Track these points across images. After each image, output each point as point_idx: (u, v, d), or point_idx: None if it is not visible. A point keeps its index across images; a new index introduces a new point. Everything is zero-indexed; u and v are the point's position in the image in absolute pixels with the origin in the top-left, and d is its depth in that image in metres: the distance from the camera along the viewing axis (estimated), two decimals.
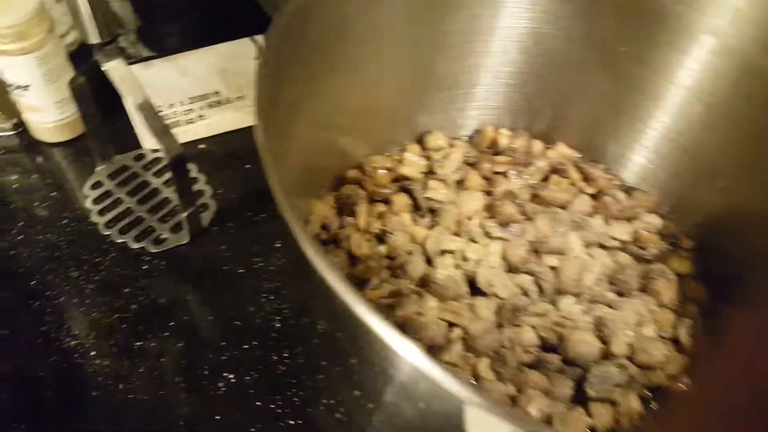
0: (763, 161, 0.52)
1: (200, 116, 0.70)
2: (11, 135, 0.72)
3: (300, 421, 0.51)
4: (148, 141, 0.68)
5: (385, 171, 0.61)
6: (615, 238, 0.57)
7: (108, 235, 0.62)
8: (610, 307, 0.52)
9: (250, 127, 0.71)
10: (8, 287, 0.60)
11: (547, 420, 0.47)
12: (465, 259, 0.54)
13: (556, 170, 0.61)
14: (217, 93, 0.70)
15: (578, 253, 0.54)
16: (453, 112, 0.64)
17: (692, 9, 0.52)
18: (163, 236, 0.62)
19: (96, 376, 0.54)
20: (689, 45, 0.54)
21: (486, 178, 0.60)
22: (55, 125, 0.70)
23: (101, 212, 0.64)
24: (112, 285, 0.59)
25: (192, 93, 0.69)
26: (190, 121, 0.69)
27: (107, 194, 0.66)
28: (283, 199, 0.32)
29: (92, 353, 0.55)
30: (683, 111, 0.56)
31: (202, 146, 0.71)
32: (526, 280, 0.53)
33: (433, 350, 0.49)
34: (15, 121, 0.71)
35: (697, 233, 0.59)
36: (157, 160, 0.69)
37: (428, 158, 0.63)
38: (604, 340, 0.50)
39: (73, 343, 0.56)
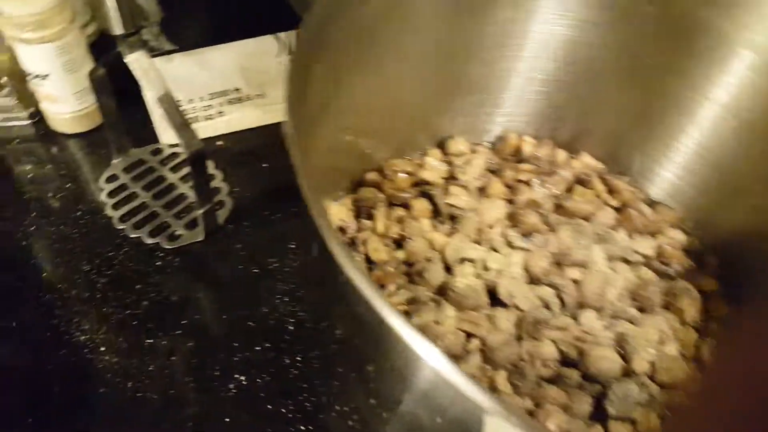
0: None
1: (219, 113, 0.69)
2: (27, 124, 0.71)
3: (311, 427, 0.50)
4: (166, 135, 0.68)
5: (406, 175, 0.60)
6: (638, 253, 0.56)
7: (122, 229, 0.62)
8: (632, 323, 0.51)
9: (268, 126, 0.72)
10: (19, 278, 0.59)
11: None
12: (486, 268, 0.53)
13: (581, 181, 0.60)
14: (237, 90, 0.69)
15: (601, 266, 0.53)
16: (476, 118, 0.63)
17: (732, 23, 0.51)
18: (177, 233, 0.61)
19: (105, 373, 0.53)
20: (728, 60, 0.53)
21: (508, 186, 0.59)
22: (73, 116, 0.69)
23: (116, 206, 0.63)
24: (124, 280, 0.59)
25: (212, 89, 0.68)
26: (209, 117, 0.69)
27: (122, 188, 0.65)
28: (312, 197, 0.31)
29: (102, 349, 0.54)
30: (717, 127, 0.55)
31: (219, 143, 0.70)
32: (547, 292, 0.52)
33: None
34: (32, 110, 0.70)
35: (721, 250, 0.58)
36: (174, 155, 0.68)
37: (449, 163, 0.62)
38: (625, 357, 0.49)
39: (82, 338, 0.55)
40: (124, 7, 0.51)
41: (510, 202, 0.58)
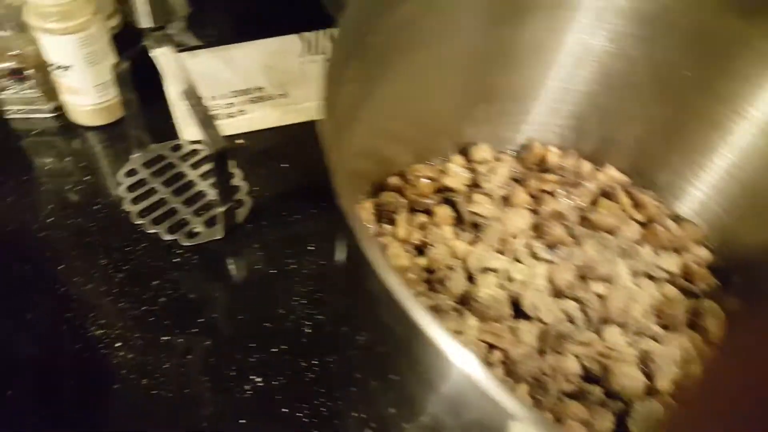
0: None
1: (241, 111, 0.69)
2: (49, 117, 0.71)
3: None
4: (187, 132, 0.68)
5: (428, 180, 0.60)
6: (663, 269, 0.55)
7: (140, 224, 0.61)
8: (656, 341, 0.51)
9: (289, 126, 0.72)
10: (35, 270, 0.59)
11: None
12: (510, 279, 0.52)
13: (605, 193, 0.60)
14: (259, 89, 0.69)
15: (625, 281, 0.53)
16: (501, 125, 0.62)
17: None
18: (196, 230, 0.61)
19: (120, 369, 0.53)
20: (764, 79, 0.52)
21: (532, 196, 0.59)
22: (93, 108, 0.69)
23: (135, 201, 0.63)
24: (141, 276, 0.58)
25: (235, 87, 0.68)
26: (230, 115, 0.68)
27: (141, 183, 0.65)
28: (346, 197, 0.30)
29: (117, 344, 0.54)
30: (750, 147, 0.54)
31: (239, 141, 0.70)
32: (571, 306, 0.51)
33: None
34: (55, 104, 0.70)
35: (745, 270, 0.57)
36: (194, 151, 0.68)
37: (472, 171, 0.61)
38: (649, 376, 0.49)
39: (98, 332, 0.55)
40: (153, 0, 0.51)
41: (534, 212, 0.58)
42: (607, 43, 0.56)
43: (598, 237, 0.55)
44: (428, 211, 0.58)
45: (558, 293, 0.52)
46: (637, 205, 0.60)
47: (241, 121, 0.69)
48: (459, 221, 0.57)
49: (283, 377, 0.53)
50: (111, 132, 0.71)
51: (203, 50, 0.69)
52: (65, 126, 0.71)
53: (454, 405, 0.35)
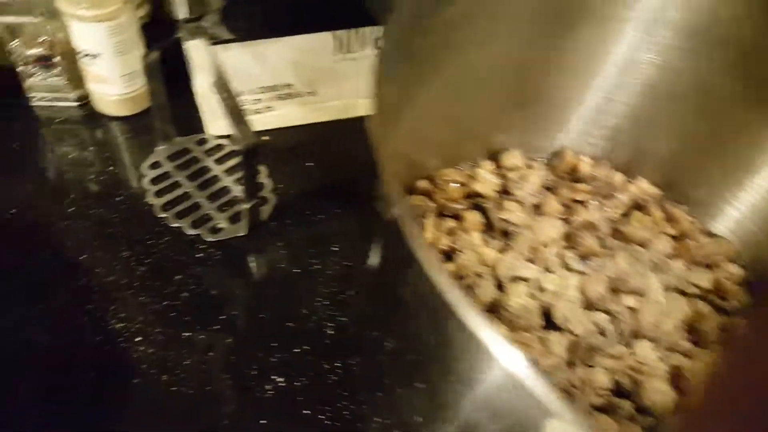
0: None
1: (268, 107, 0.69)
2: (74, 106, 0.71)
3: None
4: (213, 126, 0.68)
5: (457, 185, 0.59)
6: (695, 285, 0.55)
7: (164, 218, 0.61)
8: (687, 356, 0.51)
9: (314, 125, 0.72)
10: (56, 259, 0.59)
11: None
12: (541, 289, 0.52)
13: (638, 206, 0.60)
14: (288, 86, 0.69)
15: (657, 296, 0.53)
16: (534, 132, 0.62)
17: None
18: (220, 225, 0.61)
19: (140, 363, 0.53)
20: None
21: (564, 205, 0.58)
22: (119, 98, 0.69)
23: (158, 194, 0.63)
24: (163, 270, 0.59)
25: (263, 83, 0.68)
26: (257, 111, 0.68)
27: (166, 176, 0.65)
28: (400, 197, 0.30)
29: (138, 339, 0.54)
30: None
31: (265, 138, 0.70)
32: (602, 318, 0.51)
33: None
34: (81, 92, 0.70)
35: None
36: (219, 146, 0.68)
37: (502, 177, 0.61)
38: (680, 391, 0.48)
39: (118, 326, 0.55)
40: None
41: (565, 221, 0.57)
42: (653, 56, 0.56)
43: (630, 249, 0.55)
44: (457, 217, 0.58)
45: (589, 305, 0.52)
46: (670, 218, 0.60)
47: (268, 117, 0.69)
48: (488, 228, 0.57)
49: (305, 378, 0.53)
50: (136, 123, 0.71)
51: (234, 44, 0.69)
52: (90, 115, 0.71)
53: (489, 408, 0.34)
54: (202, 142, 0.68)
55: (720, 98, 0.56)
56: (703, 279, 0.56)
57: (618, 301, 0.52)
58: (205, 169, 0.66)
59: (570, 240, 0.56)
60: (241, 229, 0.61)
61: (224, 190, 0.64)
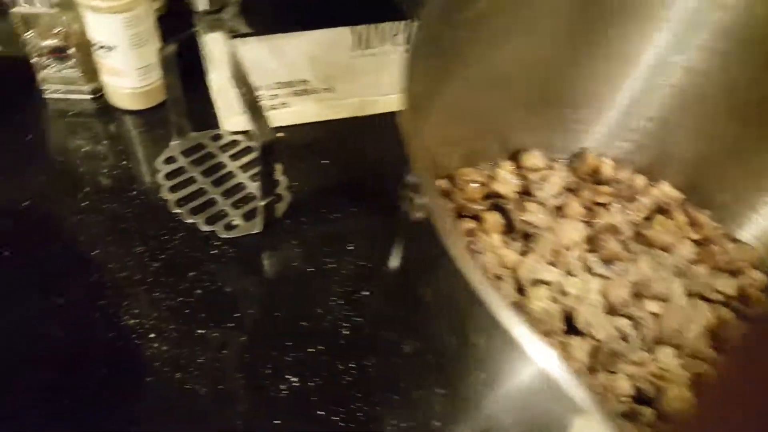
0: None
1: (283, 103, 0.69)
2: (88, 99, 0.71)
3: None
4: (228, 122, 0.68)
5: (477, 185, 0.59)
6: (719, 291, 0.55)
7: (178, 213, 0.61)
8: (710, 364, 0.50)
9: (330, 121, 0.72)
10: (69, 254, 0.59)
11: None
12: (563, 293, 0.52)
13: (661, 210, 0.59)
14: (304, 81, 0.69)
15: (680, 301, 0.52)
16: (556, 132, 0.62)
17: None
18: (234, 222, 0.61)
19: (153, 361, 0.53)
20: None
21: (586, 208, 0.58)
22: (133, 92, 0.69)
23: (173, 189, 0.63)
24: (177, 266, 0.59)
25: (280, 78, 0.68)
26: (273, 107, 0.68)
27: (180, 171, 0.65)
28: (434, 193, 0.30)
29: (151, 336, 0.54)
30: None
31: (280, 134, 0.70)
32: (625, 324, 0.51)
33: None
34: (95, 85, 0.70)
35: None
36: (234, 142, 0.68)
37: (523, 177, 0.61)
38: None
39: (131, 322, 0.55)
40: None
41: (587, 224, 0.57)
42: (687, 57, 0.55)
43: (653, 254, 0.55)
44: (476, 217, 0.57)
45: (612, 310, 0.52)
46: (693, 223, 0.59)
47: (284, 113, 0.69)
48: (507, 229, 0.57)
49: (319, 378, 0.52)
50: (150, 117, 0.71)
51: (252, 38, 0.68)
52: (103, 108, 0.71)
53: (514, 411, 0.34)
54: (217, 137, 0.68)
55: (748, 101, 0.55)
56: (727, 285, 0.55)
57: (641, 307, 0.52)
58: (219, 165, 0.66)
59: (592, 243, 0.55)
60: (255, 227, 0.61)
61: (239, 187, 0.64)
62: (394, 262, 0.52)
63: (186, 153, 0.66)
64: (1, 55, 0.75)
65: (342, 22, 0.69)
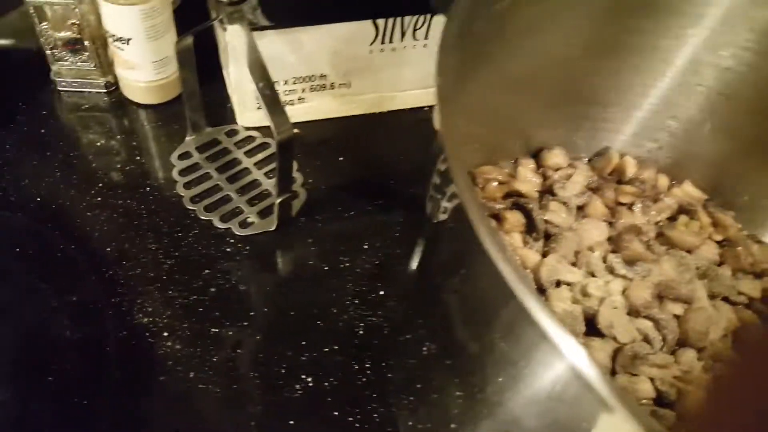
0: None
1: (300, 99, 0.69)
2: (102, 93, 0.72)
3: None
4: (244, 117, 0.68)
5: (498, 184, 0.59)
6: (743, 293, 0.54)
7: (193, 210, 0.62)
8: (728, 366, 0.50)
9: (346, 118, 0.72)
10: (81, 250, 0.60)
11: None
12: (585, 294, 0.52)
13: (684, 210, 0.59)
14: (322, 76, 0.69)
15: (704, 304, 0.52)
16: (580, 131, 0.62)
17: None
18: (249, 220, 0.62)
19: (166, 359, 0.53)
20: None
21: (608, 207, 0.58)
22: (148, 86, 0.70)
23: (187, 185, 0.64)
24: (191, 263, 0.59)
25: (298, 72, 0.68)
26: (290, 103, 0.69)
27: (195, 167, 0.65)
28: (470, 187, 0.30)
29: (164, 334, 0.55)
30: None
31: (295, 130, 0.70)
32: (647, 326, 0.51)
33: None
34: (109, 79, 0.71)
35: None
36: (250, 138, 0.68)
37: (544, 176, 0.61)
38: None
39: (145, 320, 0.55)
40: None
41: (609, 224, 0.57)
42: (721, 55, 0.55)
43: (676, 255, 0.55)
44: (496, 216, 0.57)
45: (634, 311, 0.52)
46: (716, 224, 0.59)
47: (300, 109, 0.69)
48: (529, 229, 0.57)
49: (334, 378, 0.53)
50: (165, 111, 0.71)
51: (270, 31, 0.68)
52: (117, 102, 0.72)
53: (539, 411, 0.34)
54: (233, 133, 0.69)
55: None
56: (752, 288, 0.55)
57: (663, 308, 0.52)
58: (235, 162, 0.66)
59: (615, 244, 0.55)
60: (271, 224, 0.61)
61: (254, 184, 0.65)
62: (414, 262, 0.52)
63: (201, 149, 0.67)
64: (14, 48, 0.75)
65: (363, 15, 0.69)
